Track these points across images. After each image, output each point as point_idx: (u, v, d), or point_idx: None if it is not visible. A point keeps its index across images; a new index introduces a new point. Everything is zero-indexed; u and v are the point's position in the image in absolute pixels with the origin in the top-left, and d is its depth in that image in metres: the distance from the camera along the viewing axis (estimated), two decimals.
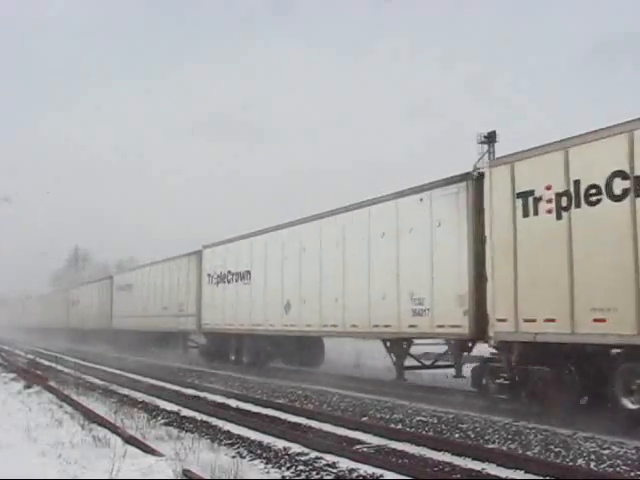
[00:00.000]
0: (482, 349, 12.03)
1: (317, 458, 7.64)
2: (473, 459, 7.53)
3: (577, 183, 9.46)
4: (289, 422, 10.22)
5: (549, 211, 9.83)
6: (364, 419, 10.44)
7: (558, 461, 7.47)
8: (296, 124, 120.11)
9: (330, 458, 7.58)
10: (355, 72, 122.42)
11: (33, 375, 16.61)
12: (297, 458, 7.69)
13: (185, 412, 11.34)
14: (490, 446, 8.35)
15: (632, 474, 6.94)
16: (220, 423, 10.15)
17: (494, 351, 11.20)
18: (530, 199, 10.12)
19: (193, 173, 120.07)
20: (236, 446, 8.48)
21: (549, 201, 9.83)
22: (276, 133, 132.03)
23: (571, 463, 7.38)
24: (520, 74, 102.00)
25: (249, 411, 11.48)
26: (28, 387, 14.58)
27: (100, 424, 9.46)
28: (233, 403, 12.49)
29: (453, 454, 7.80)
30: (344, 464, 7.30)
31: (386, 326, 13.51)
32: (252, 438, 8.88)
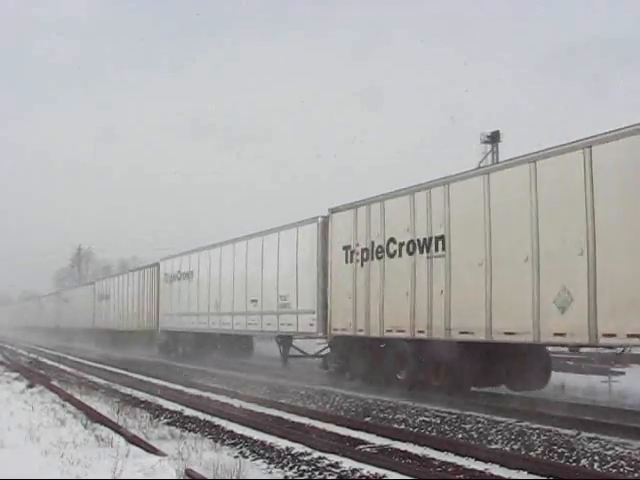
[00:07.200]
0: None
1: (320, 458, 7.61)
2: (476, 459, 7.51)
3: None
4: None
5: None
6: (367, 419, 10.43)
7: (562, 462, 7.45)
8: (285, 126, 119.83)
9: (333, 458, 7.55)
10: (354, 73, 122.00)
11: None
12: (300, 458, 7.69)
13: None
14: (493, 446, 8.34)
15: (636, 475, 6.91)
16: None
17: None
18: None
19: (194, 174, 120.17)
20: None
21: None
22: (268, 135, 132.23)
23: (575, 464, 7.36)
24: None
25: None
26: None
27: (103, 423, 9.46)
28: None
29: (456, 454, 7.79)
30: (347, 464, 7.28)
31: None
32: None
